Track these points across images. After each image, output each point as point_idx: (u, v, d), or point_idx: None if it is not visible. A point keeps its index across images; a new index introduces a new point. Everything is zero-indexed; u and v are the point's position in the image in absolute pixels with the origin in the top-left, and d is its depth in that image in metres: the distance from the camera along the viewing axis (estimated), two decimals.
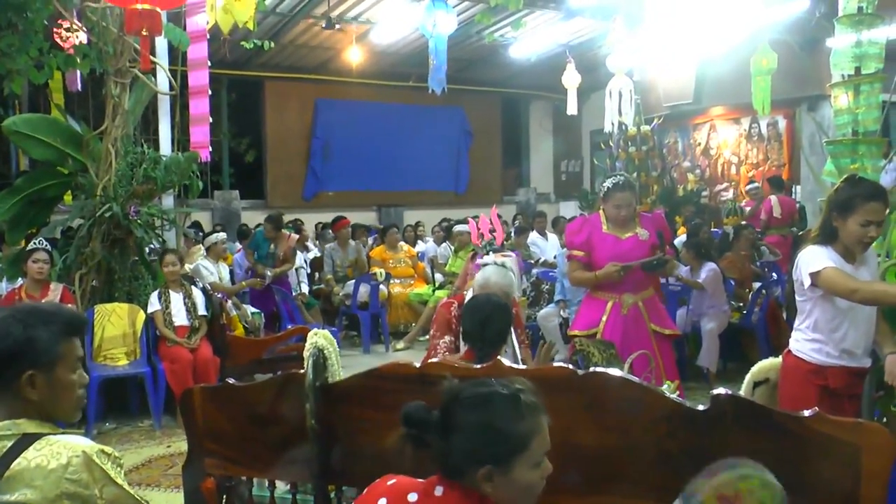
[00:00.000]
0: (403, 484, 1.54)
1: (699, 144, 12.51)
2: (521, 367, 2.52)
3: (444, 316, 3.59)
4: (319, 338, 2.40)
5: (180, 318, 5.40)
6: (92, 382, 4.36)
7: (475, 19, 8.96)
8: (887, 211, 2.78)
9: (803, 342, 2.81)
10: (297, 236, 8.21)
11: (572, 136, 15.12)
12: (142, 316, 5.43)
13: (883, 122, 3.69)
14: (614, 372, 2.16)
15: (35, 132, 5.43)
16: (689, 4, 7.39)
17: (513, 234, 8.66)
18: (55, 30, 5.39)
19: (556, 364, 2.70)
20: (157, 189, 5.71)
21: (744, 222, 8.54)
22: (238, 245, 8.90)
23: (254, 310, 6.87)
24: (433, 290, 7.93)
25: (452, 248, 8.38)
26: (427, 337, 5.32)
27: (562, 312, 6.03)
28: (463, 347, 3.20)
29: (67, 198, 6.27)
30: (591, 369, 2.30)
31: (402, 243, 8.73)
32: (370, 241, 9.37)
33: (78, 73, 6.14)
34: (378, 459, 2.01)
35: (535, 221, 9.90)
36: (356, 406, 2.32)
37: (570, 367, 2.20)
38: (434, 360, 3.03)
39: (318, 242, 9.54)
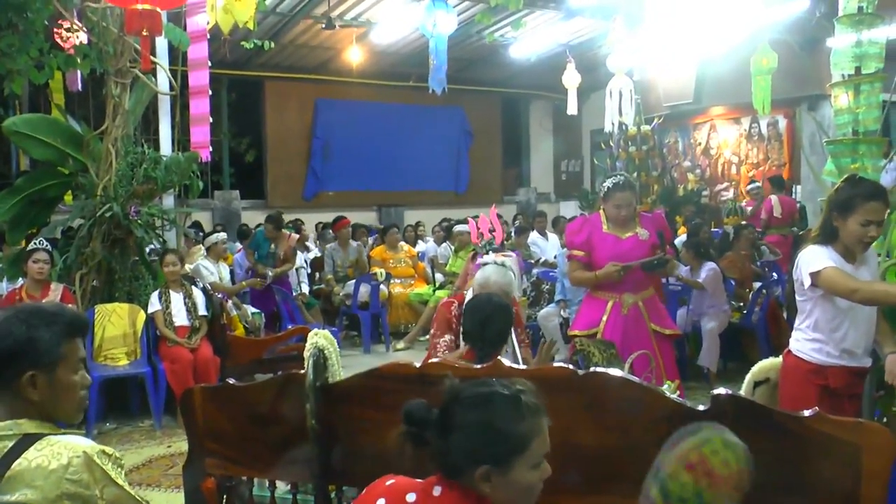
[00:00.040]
0: (402, 484, 1.54)
1: (699, 144, 12.51)
2: (522, 367, 2.52)
3: (444, 315, 3.60)
4: (320, 338, 2.40)
5: (181, 318, 5.40)
6: (92, 382, 4.36)
7: (475, 19, 8.96)
8: (888, 211, 2.78)
9: (803, 342, 2.81)
10: (297, 236, 8.22)
11: (572, 136, 15.13)
12: (142, 316, 5.43)
13: (883, 122, 3.69)
14: (614, 372, 2.16)
15: (35, 132, 5.43)
16: (689, 4, 7.39)
17: (513, 234, 8.66)
18: (55, 30, 5.39)
19: (556, 364, 2.70)
20: (157, 189, 5.71)
21: (744, 222, 8.54)
22: (238, 245, 8.90)
23: (254, 310, 6.87)
24: (433, 290, 7.93)
25: (453, 248, 8.38)
26: (427, 337, 5.32)
27: (562, 312, 6.03)
28: (463, 346, 3.20)
29: (68, 198, 6.28)
30: (592, 369, 2.30)
31: (402, 243, 8.73)
32: (370, 241, 9.38)
33: (78, 73, 6.13)
34: (379, 459, 2.01)
35: (535, 221, 9.90)
36: (357, 406, 2.32)
37: (571, 367, 2.20)
38: (434, 359, 3.03)
39: (318, 242, 9.54)
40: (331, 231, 8.89)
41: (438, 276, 8.39)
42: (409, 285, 8.24)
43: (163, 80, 6.04)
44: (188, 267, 6.26)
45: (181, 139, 6.28)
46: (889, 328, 2.84)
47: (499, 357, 2.30)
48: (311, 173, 12.65)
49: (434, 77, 6.70)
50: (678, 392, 3.18)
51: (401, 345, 7.57)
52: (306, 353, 2.35)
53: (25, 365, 1.53)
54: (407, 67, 12.05)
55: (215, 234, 7.33)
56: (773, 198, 8.82)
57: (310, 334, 2.44)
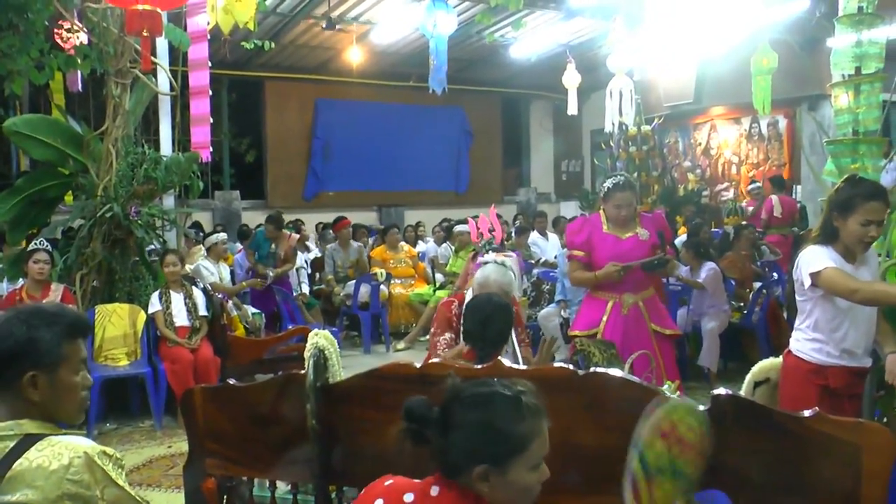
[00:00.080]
0: (400, 484, 1.54)
1: (700, 144, 12.51)
2: (522, 367, 2.52)
3: (444, 314, 3.60)
4: (320, 338, 2.40)
5: (181, 318, 5.40)
6: (94, 383, 4.37)
7: (475, 19, 8.97)
8: (888, 210, 2.78)
9: (804, 342, 2.81)
10: (297, 236, 8.22)
11: (573, 136, 15.13)
12: (142, 316, 5.44)
13: (883, 122, 3.69)
14: (615, 372, 2.16)
15: (36, 133, 5.44)
16: (689, 4, 7.39)
17: (513, 234, 8.66)
18: (56, 30, 5.39)
19: (556, 364, 2.70)
20: (157, 189, 5.71)
21: (744, 222, 8.54)
22: (239, 245, 8.90)
23: (254, 310, 6.88)
24: (434, 291, 7.94)
25: (453, 248, 8.38)
26: (427, 337, 5.33)
27: (562, 312, 6.03)
28: (463, 345, 3.20)
29: (68, 198, 6.28)
30: (592, 369, 2.30)
31: (402, 243, 8.73)
32: (370, 241, 9.38)
33: (79, 73, 6.14)
34: (379, 460, 2.01)
35: (535, 221, 9.89)
36: (357, 406, 2.32)
37: (571, 367, 2.21)
38: (435, 359, 3.03)
39: (318, 243, 9.54)
40: (331, 231, 8.89)
41: (439, 277, 8.39)
42: (409, 286, 8.24)
43: (163, 81, 6.04)
44: (188, 267, 6.26)
45: (181, 139, 6.28)
46: (889, 328, 2.84)
47: (499, 357, 2.31)
48: (312, 173, 12.65)
49: (434, 77, 6.70)
50: (678, 392, 3.17)
51: (401, 345, 7.57)
52: (307, 354, 2.36)
53: (26, 365, 1.53)
54: (407, 67, 12.05)
55: (215, 235, 7.33)
56: (774, 197, 8.82)
57: (310, 334, 2.44)
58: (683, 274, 6.08)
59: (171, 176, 5.67)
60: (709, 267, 6.00)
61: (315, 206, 12.40)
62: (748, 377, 3.03)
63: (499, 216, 5.76)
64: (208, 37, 6.16)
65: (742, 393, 2.88)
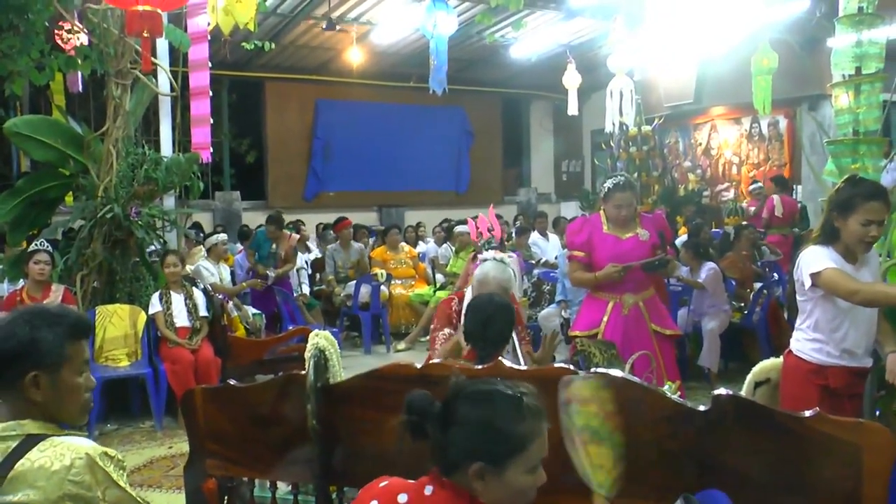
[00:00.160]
0: (395, 485, 1.54)
1: (700, 144, 12.51)
2: (523, 367, 2.52)
3: (444, 311, 3.60)
4: (321, 339, 2.40)
5: (181, 319, 5.40)
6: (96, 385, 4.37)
7: (476, 20, 8.96)
8: (888, 211, 2.78)
9: (804, 342, 2.81)
10: (297, 236, 8.22)
11: (573, 136, 15.12)
12: (143, 317, 5.44)
13: (884, 122, 3.69)
14: (615, 372, 2.16)
15: (36, 133, 5.44)
16: (690, 4, 7.39)
17: (514, 235, 8.66)
18: (56, 31, 5.40)
19: (556, 364, 2.70)
20: (158, 190, 5.72)
21: (745, 222, 8.54)
22: (239, 246, 8.91)
23: (255, 311, 6.88)
24: (434, 291, 7.94)
25: (453, 248, 8.38)
26: (428, 338, 5.33)
27: (563, 313, 6.03)
28: (464, 344, 3.19)
29: (69, 199, 6.28)
30: (593, 370, 2.30)
31: (403, 244, 8.73)
32: (370, 241, 9.38)
33: (79, 74, 6.15)
34: (379, 460, 2.01)
35: (535, 222, 9.89)
36: (357, 407, 2.32)
37: (571, 367, 2.20)
38: (435, 360, 3.03)
39: (319, 243, 9.54)
40: (332, 232, 8.89)
41: (439, 277, 8.39)
42: (409, 286, 8.24)
43: (163, 82, 6.05)
44: (189, 268, 6.26)
45: (182, 140, 6.29)
46: (890, 328, 2.84)
47: (500, 357, 2.31)
48: (312, 174, 12.65)
49: (434, 77, 6.70)
50: (679, 392, 3.18)
51: (401, 345, 7.57)
52: (307, 354, 2.36)
53: (28, 365, 1.53)
54: (407, 68, 12.05)
55: (216, 235, 7.34)
56: (776, 197, 8.82)
57: (311, 335, 2.44)
58: (684, 274, 6.08)
59: (171, 177, 5.67)
60: (709, 267, 6.00)
61: (315, 206, 12.40)
62: (749, 377, 3.04)
63: (499, 216, 5.75)
64: (208, 37, 6.16)
65: (743, 393, 2.89)
